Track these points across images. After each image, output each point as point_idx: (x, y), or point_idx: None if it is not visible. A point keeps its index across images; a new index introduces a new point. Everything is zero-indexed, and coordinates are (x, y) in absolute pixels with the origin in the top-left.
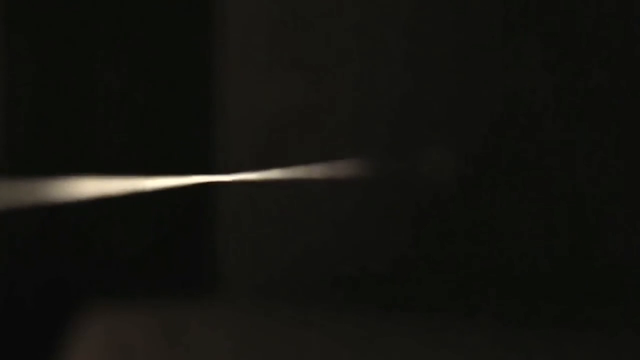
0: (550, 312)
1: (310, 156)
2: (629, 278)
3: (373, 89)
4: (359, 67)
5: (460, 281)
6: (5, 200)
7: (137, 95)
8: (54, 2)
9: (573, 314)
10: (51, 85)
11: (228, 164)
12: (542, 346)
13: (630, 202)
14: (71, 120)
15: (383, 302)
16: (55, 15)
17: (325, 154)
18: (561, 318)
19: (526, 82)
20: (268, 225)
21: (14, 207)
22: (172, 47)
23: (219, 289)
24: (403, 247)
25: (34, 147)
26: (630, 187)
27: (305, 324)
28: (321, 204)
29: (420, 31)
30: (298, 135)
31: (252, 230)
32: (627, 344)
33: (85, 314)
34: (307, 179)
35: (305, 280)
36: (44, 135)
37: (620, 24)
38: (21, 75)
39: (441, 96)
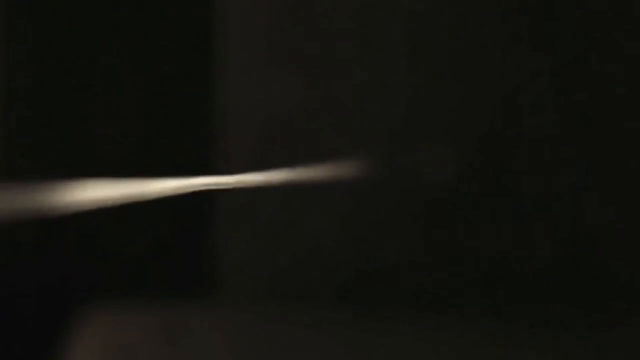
0: (551, 312)
1: (310, 155)
2: (628, 278)
3: (373, 89)
4: (360, 68)
5: (460, 282)
6: (6, 205)
7: (136, 95)
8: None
9: (573, 314)
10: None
11: (228, 164)
12: (543, 346)
13: (630, 203)
14: (70, 119)
15: (382, 302)
16: (55, 16)
17: (326, 153)
18: (561, 318)
19: (526, 83)
20: (268, 225)
21: (15, 212)
22: (172, 47)
23: (219, 289)
24: (402, 248)
25: (33, 148)
26: (630, 188)
27: (305, 324)
28: (321, 203)
29: (421, 32)
30: (298, 134)
31: (252, 230)
32: (627, 343)
33: (85, 314)
34: (308, 179)
35: (305, 281)
36: (43, 137)
37: (619, 27)
38: (19, 76)
39: (442, 96)
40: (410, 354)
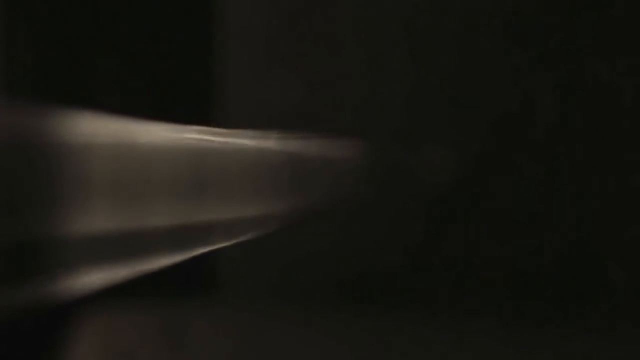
0: (550, 312)
1: (310, 155)
2: (627, 278)
3: (373, 89)
4: (361, 68)
5: (460, 282)
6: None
7: (137, 96)
8: None
9: (573, 313)
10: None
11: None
12: (543, 346)
13: (630, 201)
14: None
15: (382, 302)
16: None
17: (326, 152)
18: (560, 318)
19: (527, 82)
20: (268, 225)
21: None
22: (172, 46)
23: (219, 289)
24: (402, 248)
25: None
26: (630, 188)
27: (305, 323)
28: (322, 202)
29: (421, 30)
30: (298, 134)
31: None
32: (626, 342)
33: (85, 314)
34: (309, 178)
35: (306, 280)
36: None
37: (622, 26)
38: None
39: (442, 97)
40: (410, 354)
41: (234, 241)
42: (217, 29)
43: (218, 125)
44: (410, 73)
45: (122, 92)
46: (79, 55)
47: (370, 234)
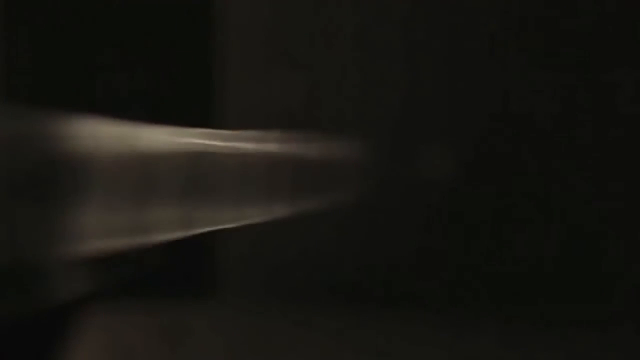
0: (550, 312)
1: (310, 154)
2: (627, 278)
3: (373, 89)
4: (361, 68)
5: (460, 282)
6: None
7: (139, 97)
8: None
9: (573, 313)
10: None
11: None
12: (543, 346)
13: (629, 202)
14: None
15: (382, 302)
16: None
17: (326, 152)
18: (560, 318)
19: (525, 82)
20: (267, 226)
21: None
22: (172, 47)
23: (219, 290)
24: (401, 249)
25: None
26: (629, 187)
27: (304, 323)
28: (322, 203)
29: (420, 31)
30: (298, 134)
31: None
32: (626, 342)
33: (86, 314)
34: (309, 179)
35: (306, 281)
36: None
37: (616, 26)
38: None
39: (441, 98)
40: (410, 354)
41: (234, 241)
42: (217, 29)
43: (218, 126)
44: (410, 73)
45: (121, 94)
46: (79, 57)
47: (370, 234)
